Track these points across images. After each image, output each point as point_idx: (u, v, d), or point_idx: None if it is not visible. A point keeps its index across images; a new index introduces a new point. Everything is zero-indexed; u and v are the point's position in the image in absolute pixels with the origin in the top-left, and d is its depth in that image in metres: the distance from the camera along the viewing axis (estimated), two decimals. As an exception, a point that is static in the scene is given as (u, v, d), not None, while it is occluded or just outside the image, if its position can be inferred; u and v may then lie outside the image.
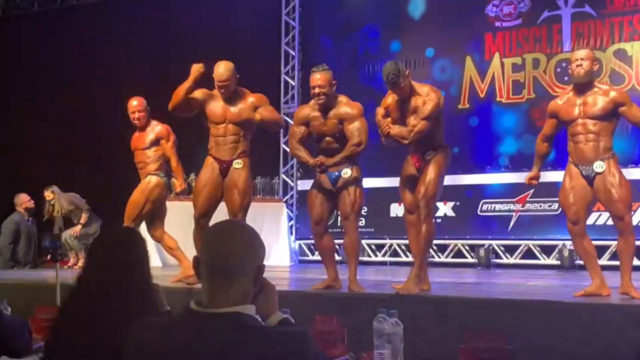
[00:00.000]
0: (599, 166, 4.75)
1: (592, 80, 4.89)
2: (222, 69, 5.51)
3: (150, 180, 6.36)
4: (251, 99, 5.62)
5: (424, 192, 4.98)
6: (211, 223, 5.72)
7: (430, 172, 5.02)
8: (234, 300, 1.76)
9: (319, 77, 5.21)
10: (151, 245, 7.41)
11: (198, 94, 5.61)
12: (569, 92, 5.01)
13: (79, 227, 8.62)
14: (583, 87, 4.86)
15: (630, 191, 4.82)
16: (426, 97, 5.02)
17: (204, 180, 5.68)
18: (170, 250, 6.52)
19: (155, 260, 8.04)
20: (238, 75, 5.61)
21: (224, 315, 1.74)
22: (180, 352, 1.73)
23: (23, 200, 9.02)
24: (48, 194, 8.84)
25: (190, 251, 5.93)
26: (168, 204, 6.81)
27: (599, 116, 4.79)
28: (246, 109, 5.58)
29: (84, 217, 8.62)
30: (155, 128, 6.41)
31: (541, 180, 8.81)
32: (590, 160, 4.78)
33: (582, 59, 4.80)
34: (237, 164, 5.60)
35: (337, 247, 5.92)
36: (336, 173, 5.27)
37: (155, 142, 6.37)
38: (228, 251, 1.79)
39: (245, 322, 1.75)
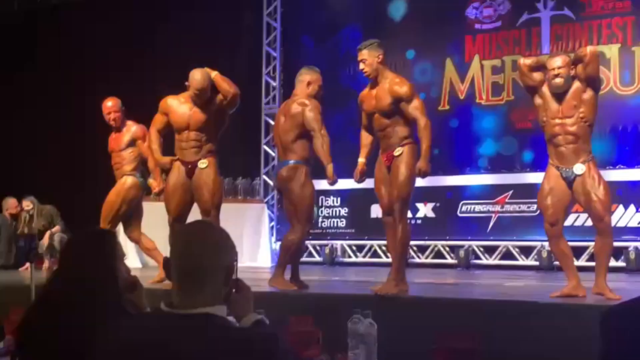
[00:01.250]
0: (578, 168, 4.79)
1: (571, 86, 4.89)
2: (200, 76, 5.45)
3: (126, 181, 6.36)
4: (219, 96, 5.57)
5: (398, 195, 4.95)
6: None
7: (402, 173, 4.95)
8: (203, 301, 1.77)
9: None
10: (131, 246, 7.40)
11: (160, 121, 5.69)
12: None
13: (57, 228, 8.57)
14: (563, 94, 4.85)
15: (609, 193, 4.86)
16: (396, 80, 5.07)
17: (172, 184, 5.67)
18: (148, 251, 6.51)
19: (135, 261, 8.01)
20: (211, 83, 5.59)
21: (194, 316, 1.75)
22: (150, 354, 1.73)
23: (10, 206, 8.93)
24: (27, 204, 8.69)
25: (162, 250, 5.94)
26: (146, 205, 6.79)
27: (574, 110, 4.80)
28: (211, 111, 5.55)
29: (57, 228, 8.57)
30: (132, 129, 6.41)
31: (520, 181, 9.03)
32: (570, 162, 4.81)
33: (559, 68, 4.78)
34: (202, 163, 5.58)
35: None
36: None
37: (131, 142, 6.37)
38: (196, 253, 1.79)
39: (215, 323, 1.75)
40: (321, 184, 6.11)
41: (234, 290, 1.92)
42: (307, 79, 5.45)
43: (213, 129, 5.64)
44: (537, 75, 4.94)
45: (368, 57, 5.11)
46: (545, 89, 4.91)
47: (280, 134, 5.43)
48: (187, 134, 5.59)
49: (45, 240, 8.41)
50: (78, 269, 2.28)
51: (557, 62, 4.81)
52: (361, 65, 5.13)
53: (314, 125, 5.26)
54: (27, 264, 7.94)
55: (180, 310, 1.77)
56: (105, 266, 2.30)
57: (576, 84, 4.80)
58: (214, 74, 5.53)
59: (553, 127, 4.86)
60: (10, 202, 8.95)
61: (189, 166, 5.60)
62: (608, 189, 4.87)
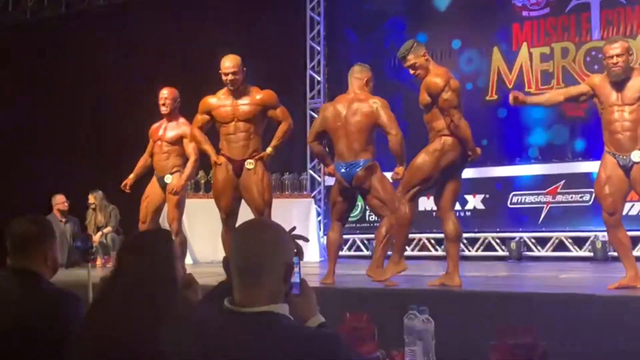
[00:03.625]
0: (636, 155, 4.66)
1: (631, 72, 4.77)
2: (229, 60, 5.56)
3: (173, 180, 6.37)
4: (259, 96, 5.63)
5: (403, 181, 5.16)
6: (238, 222, 5.77)
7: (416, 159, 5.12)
8: (264, 299, 1.78)
9: None
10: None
11: (201, 120, 5.76)
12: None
13: (109, 228, 8.72)
14: (623, 80, 4.72)
15: None
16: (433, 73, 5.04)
17: (221, 181, 5.71)
18: None
19: (186, 258, 8.08)
20: (245, 69, 5.62)
21: (258, 315, 1.75)
22: (215, 351, 1.75)
23: (57, 202, 9.10)
24: (91, 198, 8.88)
25: (221, 252, 5.96)
26: (192, 202, 6.85)
27: (636, 102, 4.67)
28: (253, 106, 5.60)
29: (108, 229, 8.72)
30: (182, 126, 6.41)
31: (572, 170, 8.84)
32: (627, 149, 4.68)
33: (617, 56, 4.66)
34: (249, 164, 5.62)
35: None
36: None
37: (180, 139, 6.37)
38: (255, 249, 1.81)
39: (280, 322, 1.76)
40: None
41: (296, 292, 1.91)
42: (365, 77, 5.48)
43: (259, 122, 5.66)
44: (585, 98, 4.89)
45: (416, 60, 5.04)
46: (600, 81, 4.82)
47: (346, 133, 5.39)
48: (234, 124, 5.62)
49: (96, 239, 8.54)
50: (136, 270, 2.29)
51: (615, 50, 4.68)
52: (412, 71, 5.09)
53: (390, 124, 5.32)
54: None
55: (243, 308, 1.78)
56: (163, 266, 2.30)
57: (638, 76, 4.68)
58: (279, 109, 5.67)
59: (610, 114, 4.74)
60: (57, 199, 9.10)
61: (237, 164, 5.63)
62: None
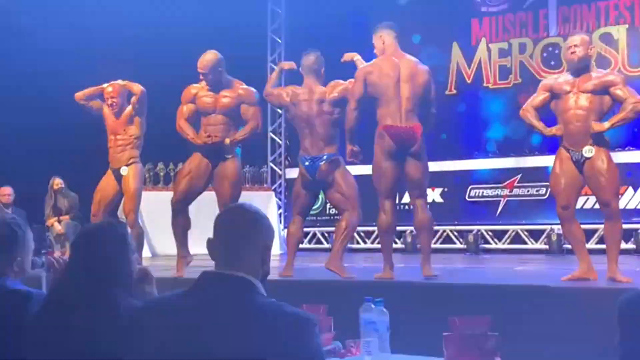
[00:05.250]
0: (588, 151, 4.74)
1: (588, 65, 4.88)
2: (203, 59, 5.57)
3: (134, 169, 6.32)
4: (240, 91, 5.64)
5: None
6: (196, 214, 5.76)
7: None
8: (243, 270, 1.86)
9: None
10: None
11: (187, 110, 5.72)
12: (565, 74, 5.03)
13: (66, 217, 8.55)
14: (579, 71, 4.84)
15: (617, 177, 4.83)
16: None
17: (188, 168, 5.70)
18: None
19: (145, 251, 8.02)
20: (221, 69, 5.59)
21: (237, 278, 1.84)
22: (189, 309, 1.80)
23: (1, 194, 8.93)
24: (58, 182, 8.62)
25: (171, 239, 5.91)
26: (151, 194, 6.79)
27: (591, 91, 4.76)
28: (234, 99, 5.61)
29: (65, 217, 8.54)
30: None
31: (529, 164, 8.98)
32: (580, 144, 4.76)
33: (575, 46, 4.79)
34: (228, 154, 5.61)
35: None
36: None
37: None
38: (236, 225, 1.92)
39: (256, 291, 1.84)
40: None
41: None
42: (322, 67, 5.52)
43: (238, 116, 5.66)
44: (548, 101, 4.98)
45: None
46: (553, 80, 4.96)
47: (314, 124, 5.41)
48: (214, 116, 5.61)
49: (56, 227, 8.39)
50: (90, 261, 2.27)
51: (574, 40, 4.84)
52: None
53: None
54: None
55: (224, 271, 1.87)
56: (117, 259, 2.29)
57: (601, 80, 4.79)
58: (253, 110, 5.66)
59: (565, 101, 4.84)
60: (3, 190, 8.91)
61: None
62: (617, 174, 4.83)
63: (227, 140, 5.61)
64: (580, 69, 4.82)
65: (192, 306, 1.80)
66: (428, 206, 5.18)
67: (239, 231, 1.91)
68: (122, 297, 2.21)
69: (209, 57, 5.57)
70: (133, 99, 6.17)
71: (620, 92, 4.74)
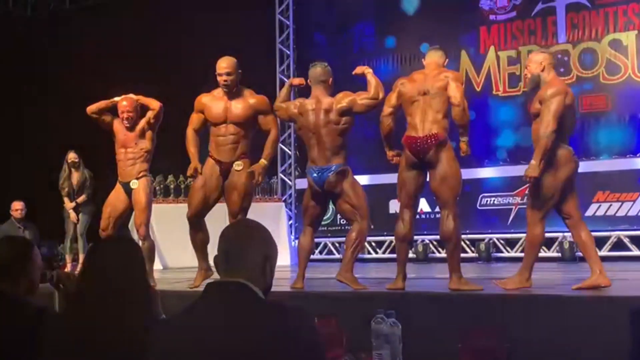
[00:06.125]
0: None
1: (540, 82, 4.80)
2: (225, 61, 5.54)
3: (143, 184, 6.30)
4: (252, 100, 5.62)
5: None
6: (209, 225, 5.75)
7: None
8: (242, 277, 1.94)
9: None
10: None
11: (197, 119, 5.72)
12: None
13: (83, 197, 8.35)
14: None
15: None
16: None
17: (202, 181, 5.68)
18: None
19: (156, 263, 8.03)
20: (240, 71, 5.60)
21: (234, 283, 1.93)
22: (198, 319, 1.90)
23: (13, 209, 8.94)
24: (73, 156, 8.42)
25: (191, 257, 5.92)
26: (161, 207, 6.76)
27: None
28: (246, 110, 5.59)
29: (81, 198, 8.46)
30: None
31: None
32: None
33: (526, 67, 4.87)
34: (238, 165, 5.59)
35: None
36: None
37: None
38: (238, 236, 2.03)
39: (253, 294, 1.92)
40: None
41: None
42: (330, 78, 5.53)
43: (250, 126, 5.65)
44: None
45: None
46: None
47: (321, 134, 5.38)
48: (225, 127, 5.61)
49: (72, 216, 8.33)
50: (102, 280, 2.25)
51: (529, 58, 4.91)
52: None
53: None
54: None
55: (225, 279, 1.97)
56: (131, 275, 2.28)
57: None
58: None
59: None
60: (15, 205, 8.92)
61: (224, 167, 5.61)
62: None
63: (263, 162, 5.60)
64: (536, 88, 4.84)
65: (200, 316, 1.89)
66: (451, 216, 5.10)
67: (238, 242, 2.01)
68: (138, 314, 2.20)
69: (230, 58, 5.56)
70: (150, 113, 6.11)
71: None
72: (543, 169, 4.69)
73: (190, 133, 5.74)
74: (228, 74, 5.50)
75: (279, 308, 1.89)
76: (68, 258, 8.42)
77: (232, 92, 5.58)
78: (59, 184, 8.42)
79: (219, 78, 5.55)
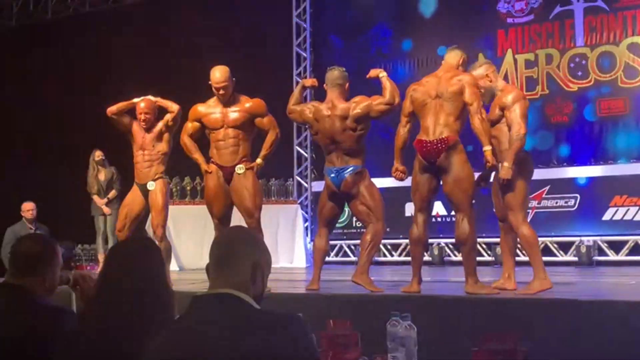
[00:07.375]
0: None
1: (493, 92, 5.10)
2: (219, 73, 5.58)
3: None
4: (248, 104, 5.67)
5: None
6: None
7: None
8: (229, 285, 1.92)
9: None
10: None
11: (191, 127, 5.76)
12: None
13: (113, 192, 8.58)
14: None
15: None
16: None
17: (212, 188, 5.72)
18: None
19: (172, 264, 8.06)
20: (234, 79, 5.65)
21: (219, 295, 1.91)
22: (184, 336, 1.87)
23: (24, 209, 9.01)
24: (99, 154, 8.71)
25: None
26: (178, 208, 6.79)
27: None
28: (242, 114, 5.64)
29: (112, 193, 8.63)
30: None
31: (557, 176, 8.88)
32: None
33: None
34: (239, 169, 5.64)
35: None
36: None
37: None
38: (227, 242, 2.03)
39: (239, 303, 1.89)
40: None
41: None
42: (347, 83, 5.55)
43: (248, 129, 5.69)
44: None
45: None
46: None
47: (338, 140, 5.40)
48: (224, 131, 5.66)
49: (101, 202, 8.46)
50: (122, 282, 2.25)
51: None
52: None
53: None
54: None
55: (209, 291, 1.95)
56: (150, 275, 2.28)
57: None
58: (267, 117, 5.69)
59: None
60: (26, 206, 9.00)
61: (227, 171, 5.65)
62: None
63: (258, 161, 5.64)
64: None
65: (187, 329, 1.87)
66: (466, 219, 5.09)
67: (227, 249, 1.99)
68: (159, 315, 2.20)
69: (223, 68, 5.60)
70: (168, 116, 6.14)
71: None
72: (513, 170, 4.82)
73: (187, 140, 5.79)
74: (224, 87, 5.57)
75: (272, 317, 1.85)
76: (100, 257, 8.49)
77: (228, 100, 5.63)
78: (87, 183, 8.66)
79: (214, 89, 5.61)
